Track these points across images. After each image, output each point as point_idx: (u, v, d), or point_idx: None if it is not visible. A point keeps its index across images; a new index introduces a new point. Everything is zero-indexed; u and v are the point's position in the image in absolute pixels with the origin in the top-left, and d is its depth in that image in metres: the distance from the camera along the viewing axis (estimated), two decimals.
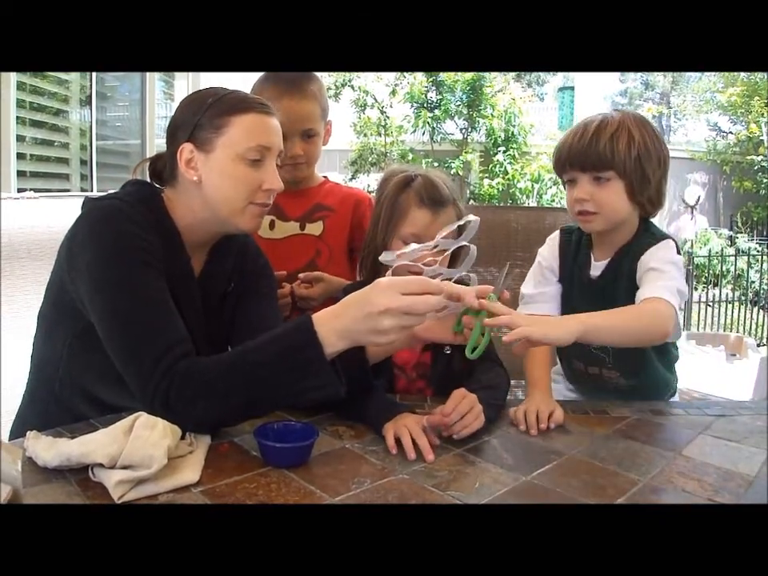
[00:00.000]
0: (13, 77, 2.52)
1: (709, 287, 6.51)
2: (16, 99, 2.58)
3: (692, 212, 9.58)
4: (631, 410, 1.11)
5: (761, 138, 8.75)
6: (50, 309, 1.05)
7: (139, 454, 0.74)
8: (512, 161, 8.33)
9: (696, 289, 6.20)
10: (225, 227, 1.06)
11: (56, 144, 3.17)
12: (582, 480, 0.82)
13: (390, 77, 8.76)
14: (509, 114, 8.34)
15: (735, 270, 6.59)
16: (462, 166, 8.35)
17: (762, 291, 6.54)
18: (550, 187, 8.26)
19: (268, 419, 0.91)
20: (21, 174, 2.67)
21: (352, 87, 8.93)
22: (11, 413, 1.10)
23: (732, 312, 6.01)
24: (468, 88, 8.30)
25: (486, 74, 8.14)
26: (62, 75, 3.05)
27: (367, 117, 9.20)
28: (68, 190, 3.15)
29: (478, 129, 8.65)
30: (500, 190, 8.26)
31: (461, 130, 8.81)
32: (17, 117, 2.60)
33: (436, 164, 7.83)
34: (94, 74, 3.19)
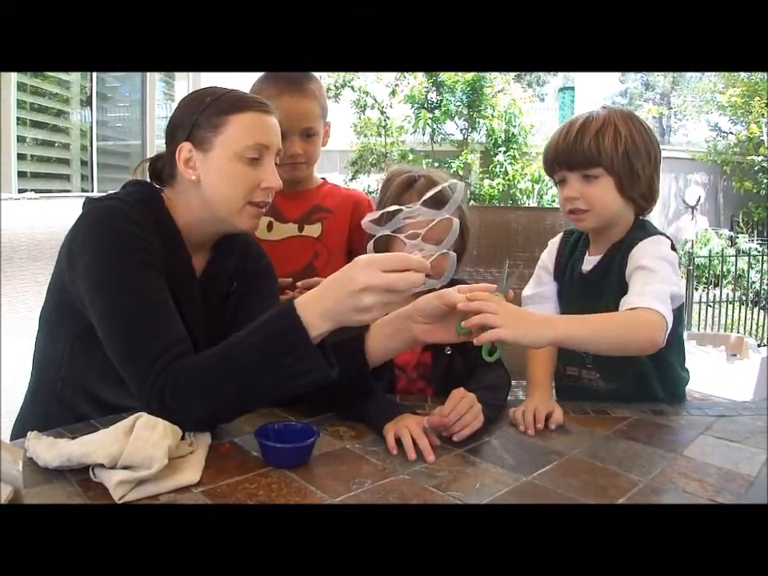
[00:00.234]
0: (13, 77, 2.52)
1: (709, 287, 6.51)
2: (16, 100, 2.59)
3: (692, 212, 9.58)
4: (632, 411, 1.10)
5: (761, 138, 8.75)
6: (51, 309, 1.05)
7: (140, 454, 0.74)
8: (512, 161, 8.32)
9: (696, 289, 6.19)
10: (223, 226, 1.06)
11: (56, 145, 3.17)
12: (583, 480, 0.82)
13: (389, 77, 8.75)
14: (509, 115, 8.34)
15: (736, 271, 6.58)
16: (462, 166, 8.35)
17: (762, 291, 6.54)
18: (551, 188, 8.25)
19: (268, 419, 0.91)
20: (21, 174, 2.67)
21: (352, 88, 8.93)
22: (12, 413, 1.10)
23: (732, 312, 6.00)
24: (468, 88, 8.30)
25: (486, 75, 8.13)
26: (63, 76, 3.04)
27: (367, 117, 9.20)
28: (69, 191, 3.15)
29: (478, 129, 8.65)
30: (500, 190, 8.26)
31: (461, 130, 8.80)
32: (17, 117, 2.60)
33: (436, 164, 7.82)
34: (94, 74, 3.19)
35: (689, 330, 5.10)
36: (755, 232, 8.92)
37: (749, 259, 6.80)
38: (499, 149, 8.38)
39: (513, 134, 8.36)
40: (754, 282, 6.68)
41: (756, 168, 8.81)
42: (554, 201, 8.11)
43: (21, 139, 2.69)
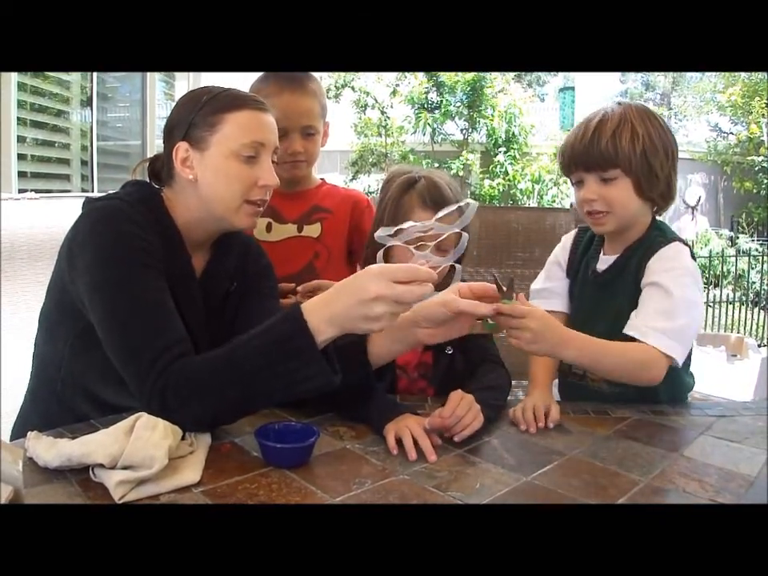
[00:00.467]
0: (13, 77, 2.52)
1: (710, 288, 6.51)
2: (17, 100, 2.59)
3: (693, 212, 9.58)
4: (632, 411, 1.10)
5: (761, 138, 8.75)
6: (51, 309, 1.05)
7: (140, 454, 0.74)
8: (513, 161, 8.33)
9: None
10: (221, 225, 1.06)
11: (57, 145, 3.17)
12: (583, 480, 0.82)
13: (390, 77, 8.76)
14: (509, 115, 8.34)
15: (736, 271, 6.59)
16: (462, 166, 8.35)
17: (762, 292, 6.54)
18: (551, 188, 8.26)
19: (269, 419, 0.91)
20: (22, 174, 2.67)
21: (352, 88, 8.94)
22: (11, 413, 1.10)
23: (733, 312, 6.01)
24: (468, 89, 8.30)
25: (487, 75, 8.13)
26: (63, 76, 3.04)
27: (368, 117, 9.20)
28: (69, 191, 3.15)
29: (478, 129, 8.65)
30: (500, 190, 8.26)
31: (461, 130, 8.81)
32: (17, 118, 2.60)
33: (436, 164, 7.83)
34: (94, 74, 3.19)
35: None
36: (755, 232, 8.92)
37: (749, 259, 6.80)
38: (499, 149, 8.38)
39: (513, 134, 8.37)
40: (755, 283, 6.68)
41: (756, 168, 8.81)
42: (554, 201, 8.11)
43: (21, 139, 2.69)
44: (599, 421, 1.06)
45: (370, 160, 9.16)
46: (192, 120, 1.01)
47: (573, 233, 1.32)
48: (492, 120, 8.32)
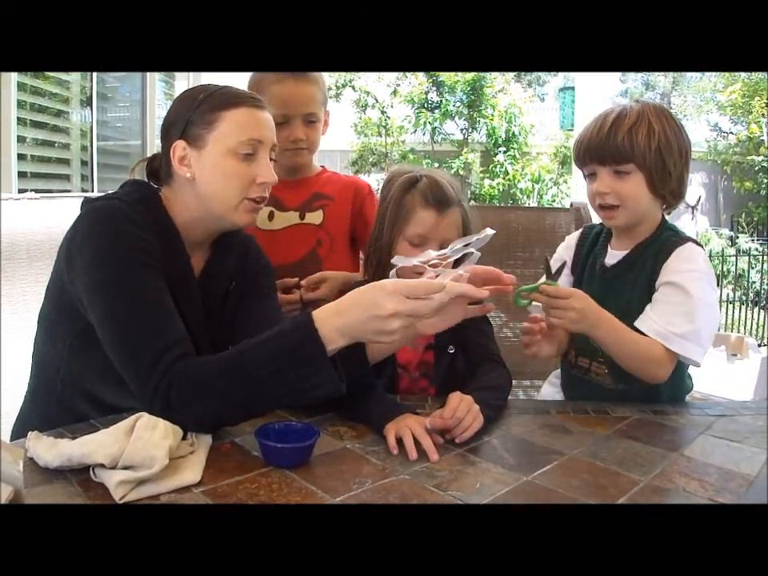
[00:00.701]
0: (13, 77, 2.52)
1: None
2: (17, 100, 2.59)
3: (693, 212, 9.57)
4: (632, 410, 1.10)
5: (761, 138, 8.74)
6: (50, 309, 1.05)
7: (140, 454, 0.74)
8: (513, 161, 8.33)
9: None
10: (220, 224, 1.06)
11: (57, 145, 3.17)
12: (583, 480, 0.82)
13: (390, 77, 8.76)
14: (509, 115, 8.34)
15: (736, 271, 6.59)
16: (462, 166, 8.35)
17: (762, 291, 6.54)
18: (551, 187, 8.26)
19: (269, 419, 0.91)
20: (22, 174, 2.67)
21: (353, 88, 8.94)
22: (11, 413, 1.10)
23: (733, 312, 6.00)
24: (468, 88, 8.30)
25: (487, 75, 8.13)
26: (63, 76, 3.04)
27: (368, 117, 9.20)
28: (69, 191, 3.15)
29: (478, 129, 8.65)
30: (500, 190, 8.26)
31: (461, 130, 8.81)
32: (17, 118, 2.60)
33: (436, 164, 7.83)
34: (94, 74, 3.19)
35: None
36: (755, 232, 8.92)
37: (749, 259, 6.80)
38: (499, 149, 8.38)
39: (513, 133, 8.37)
40: (755, 282, 6.68)
41: (756, 168, 8.80)
42: (554, 200, 8.11)
43: (21, 139, 2.69)
44: (599, 420, 1.06)
45: (370, 160, 9.16)
46: (189, 118, 1.01)
47: (577, 232, 1.34)
48: (492, 120, 8.32)
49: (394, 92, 8.81)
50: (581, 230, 1.35)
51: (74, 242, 0.97)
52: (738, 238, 8.32)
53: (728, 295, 6.17)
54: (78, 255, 0.95)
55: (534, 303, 1.07)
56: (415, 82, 8.61)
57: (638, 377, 1.12)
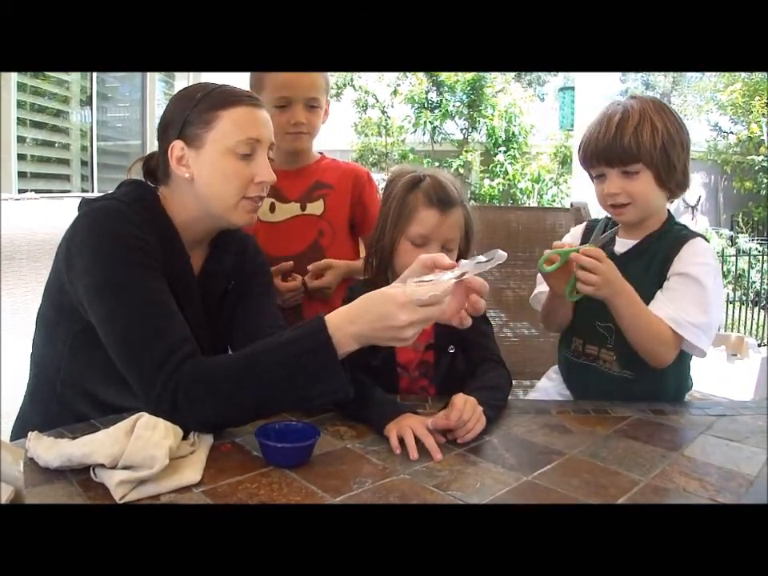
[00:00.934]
0: (13, 77, 2.52)
1: None
2: (16, 100, 2.59)
3: (693, 212, 9.57)
4: (632, 410, 1.10)
5: (761, 138, 8.74)
6: (49, 310, 1.05)
7: (141, 454, 0.74)
8: (512, 161, 8.33)
9: None
10: (219, 223, 1.06)
11: (57, 145, 3.17)
12: (584, 480, 0.82)
13: (391, 77, 8.76)
14: (509, 114, 8.34)
15: (736, 270, 6.58)
16: (462, 165, 8.35)
17: (762, 291, 6.53)
18: (551, 187, 8.26)
19: (269, 419, 0.91)
20: (22, 174, 2.67)
21: (353, 87, 8.94)
22: (11, 413, 1.10)
23: (733, 312, 6.00)
24: (468, 88, 8.30)
25: (487, 74, 8.14)
26: (63, 76, 3.05)
27: (368, 117, 9.20)
28: (69, 191, 3.15)
29: (478, 129, 8.65)
30: (500, 190, 8.26)
31: (461, 130, 8.81)
32: (17, 118, 2.60)
33: (436, 164, 7.83)
34: (94, 74, 3.19)
35: None
36: (755, 232, 8.92)
37: (749, 259, 6.80)
38: (499, 148, 8.38)
39: (513, 133, 8.37)
40: (755, 282, 6.68)
41: (756, 168, 8.79)
42: (553, 200, 8.11)
43: (21, 139, 2.69)
44: (599, 420, 1.06)
45: (371, 159, 9.15)
46: (186, 118, 1.00)
47: (582, 225, 1.37)
48: (492, 119, 8.32)
49: (395, 92, 8.81)
50: (585, 221, 1.38)
51: (72, 242, 0.97)
52: (737, 237, 8.31)
53: (728, 295, 6.17)
54: (78, 256, 0.95)
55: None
56: (415, 82, 8.61)
57: (645, 358, 1.14)
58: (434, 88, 8.60)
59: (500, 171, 8.29)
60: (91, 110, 3.22)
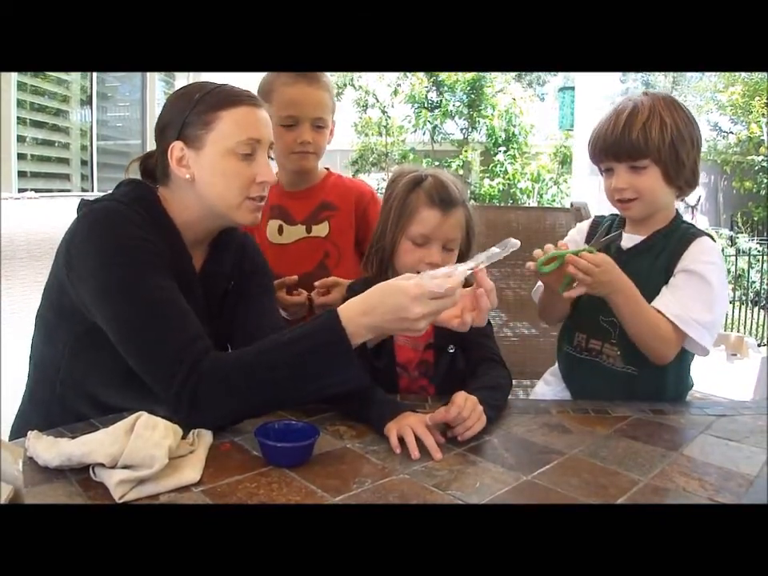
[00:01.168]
0: (13, 77, 2.52)
1: None
2: (16, 99, 2.59)
3: (693, 212, 9.56)
4: (632, 410, 1.10)
5: (761, 138, 8.74)
6: (49, 310, 1.04)
7: (140, 453, 0.74)
8: (512, 161, 8.33)
9: None
10: (223, 222, 1.06)
11: (56, 144, 3.17)
12: (583, 479, 0.82)
13: (391, 77, 8.75)
14: (509, 114, 8.34)
15: (736, 270, 6.58)
16: (462, 165, 8.35)
17: (762, 291, 6.53)
18: (551, 187, 8.26)
19: (269, 419, 0.91)
20: (21, 174, 2.67)
21: (354, 87, 8.93)
22: (12, 413, 1.10)
23: (733, 312, 5.99)
24: (468, 88, 8.30)
25: (487, 74, 8.14)
26: (63, 75, 3.05)
27: (368, 117, 9.20)
28: (69, 191, 3.15)
29: (478, 129, 8.65)
30: (500, 189, 8.26)
31: (461, 129, 8.81)
32: (17, 117, 2.60)
33: (436, 163, 7.83)
34: (94, 74, 3.19)
35: None
36: (755, 232, 8.91)
37: (749, 259, 6.79)
38: (499, 148, 8.38)
39: (513, 133, 8.37)
40: (754, 282, 6.67)
41: (756, 168, 8.79)
42: (553, 200, 8.10)
43: (21, 139, 2.69)
44: (599, 420, 1.06)
45: (371, 159, 9.15)
46: (186, 118, 1.00)
47: (588, 221, 1.38)
48: (492, 119, 8.32)
49: (395, 91, 8.81)
50: (592, 217, 1.38)
51: (73, 243, 0.96)
52: (737, 237, 8.31)
53: (728, 295, 6.16)
54: (79, 258, 0.95)
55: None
56: (415, 82, 8.61)
57: (646, 354, 1.15)
58: (434, 88, 8.60)
59: (500, 171, 8.29)
60: (91, 109, 3.22)
